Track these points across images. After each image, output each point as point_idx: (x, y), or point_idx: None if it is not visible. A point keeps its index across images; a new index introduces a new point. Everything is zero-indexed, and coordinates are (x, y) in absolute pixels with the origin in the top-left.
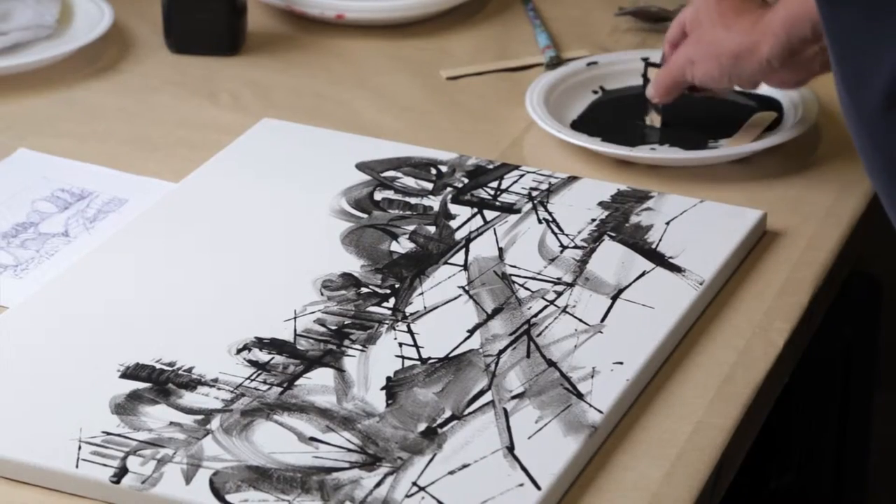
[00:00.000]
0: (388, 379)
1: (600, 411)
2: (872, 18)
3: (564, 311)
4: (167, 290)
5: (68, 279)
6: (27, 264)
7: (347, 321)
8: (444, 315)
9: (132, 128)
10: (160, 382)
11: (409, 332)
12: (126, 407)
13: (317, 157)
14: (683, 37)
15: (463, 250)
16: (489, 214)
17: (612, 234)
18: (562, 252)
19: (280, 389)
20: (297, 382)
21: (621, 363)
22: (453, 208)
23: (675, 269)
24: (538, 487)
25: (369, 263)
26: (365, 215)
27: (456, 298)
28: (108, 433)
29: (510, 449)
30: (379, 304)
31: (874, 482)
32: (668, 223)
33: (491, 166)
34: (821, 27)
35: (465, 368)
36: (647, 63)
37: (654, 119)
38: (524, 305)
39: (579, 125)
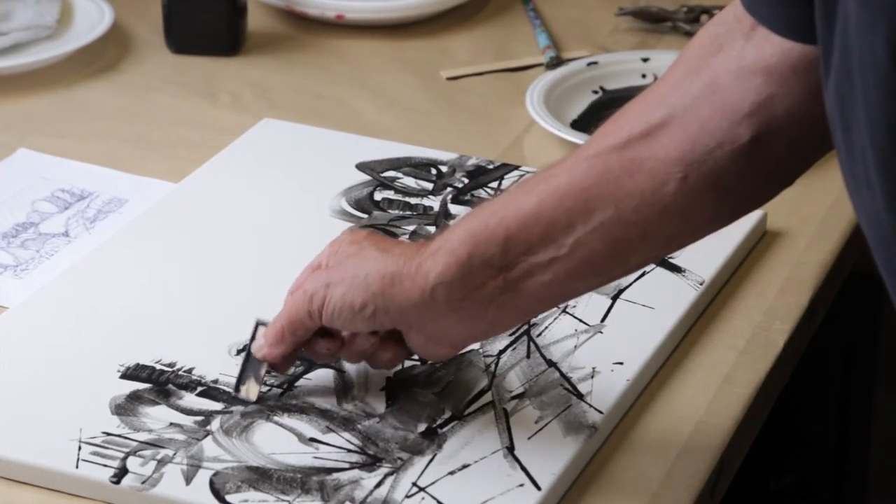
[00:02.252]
0: (389, 379)
1: (600, 411)
2: None
3: (564, 311)
4: (167, 291)
5: (68, 279)
6: (27, 264)
7: None
8: None
9: (132, 128)
10: (160, 383)
11: None
12: (126, 407)
13: (317, 157)
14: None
15: None
16: None
17: None
18: None
19: (280, 390)
20: (297, 383)
21: (621, 363)
22: (453, 208)
23: (676, 269)
24: (538, 488)
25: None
26: (365, 215)
27: None
28: (109, 434)
29: (510, 449)
30: None
31: (874, 482)
32: None
33: (491, 166)
34: (516, 248)
35: (465, 369)
36: (259, 323)
37: (250, 389)
38: None
39: (579, 125)
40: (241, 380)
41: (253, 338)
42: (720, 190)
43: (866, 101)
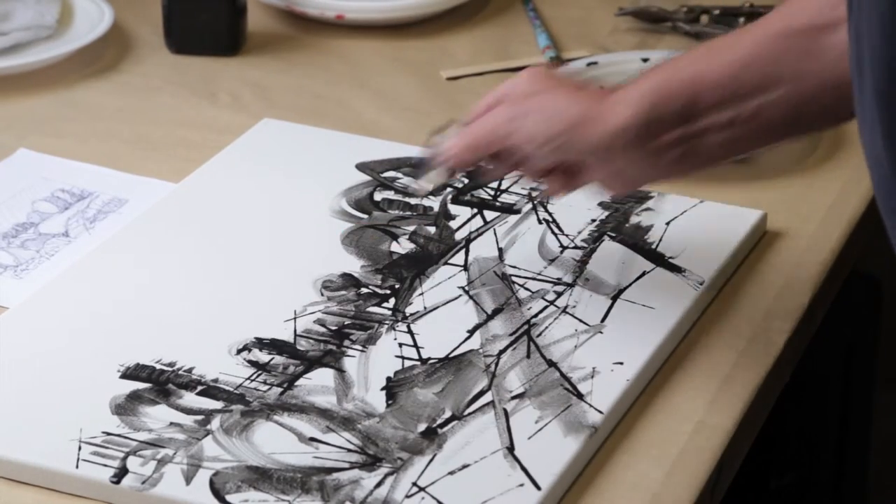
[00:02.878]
0: (388, 379)
1: (600, 411)
2: None
3: (564, 311)
4: (167, 291)
5: (68, 279)
6: (27, 264)
7: (347, 321)
8: (444, 315)
9: (132, 128)
10: (160, 383)
11: (410, 332)
12: (126, 407)
13: (317, 158)
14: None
15: (463, 251)
16: (489, 215)
17: (612, 235)
18: (562, 252)
19: (280, 390)
20: (297, 383)
21: (621, 363)
22: (453, 209)
23: (676, 269)
24: (538, 488)
25: (369, 264)
26: (365, 216)
27: (456, 299)
28: (109, 433)
29: (510, 449)
30: (379, 305)
31: (874, 482)
32: (668, 223)
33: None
34: (702, 104)
35: (465, 369)
36: (448, 125)
37: (426, 181)
38: (524, 306)
39: None
40: (419, 172)
41: (433, 142)
42: None
43: (870, 45)
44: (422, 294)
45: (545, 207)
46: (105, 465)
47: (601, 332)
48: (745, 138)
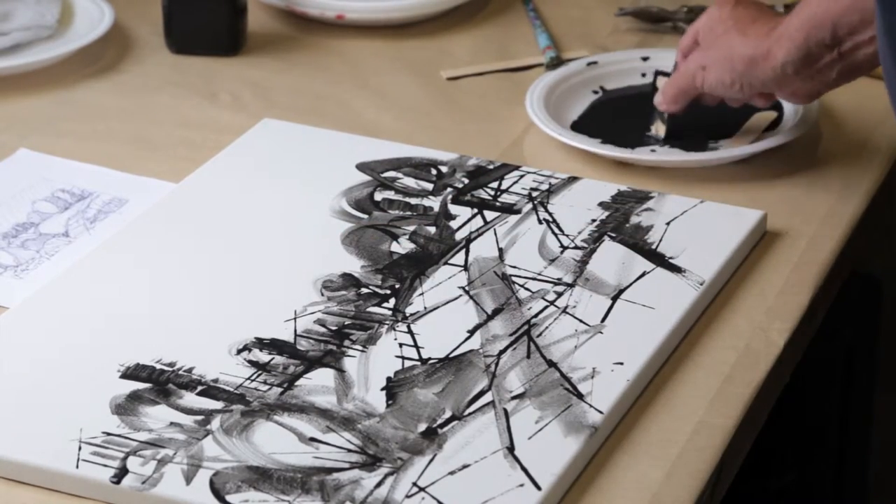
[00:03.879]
0: (389, 379)
1: (601, 412)
2: None
3: (565, 311)
4: (167, 291)
5: (68, 279)
6: (27, 265)
7: (348, 321)
8: (444, 315)
9: (132, 128)
10: (160, 383)
11: (410, 332)
12: (126, 407)
13: (317, 158)
14: (696, 46)
15: (463, 251)
16: (489, 215)
17: (613, 235)
18: (562, 252)
19: (280, 390)
20: (297, 383)
21: (621, 363)
22: (453, 209)
23: (676, 269)
24: (538, 488)
25: (369, 264)
26: (365, 216)
27: (456, 299)
28: (109, 433)
29: (510, 449)
30: (379, 305)
31: (874, 482)
32: (668, 224)
33: (491, 167)
34: (841, 31)
35: (465, 369)
36: (658, 73)
37: (658, 129)
38: (524, 306)
39: (580, 125)
40: (650, 120)
41: (654, 87)
42: None
43: None
44: (422, 294)
45: (545, 207)
46: (105, 466)
47: (601, 333)
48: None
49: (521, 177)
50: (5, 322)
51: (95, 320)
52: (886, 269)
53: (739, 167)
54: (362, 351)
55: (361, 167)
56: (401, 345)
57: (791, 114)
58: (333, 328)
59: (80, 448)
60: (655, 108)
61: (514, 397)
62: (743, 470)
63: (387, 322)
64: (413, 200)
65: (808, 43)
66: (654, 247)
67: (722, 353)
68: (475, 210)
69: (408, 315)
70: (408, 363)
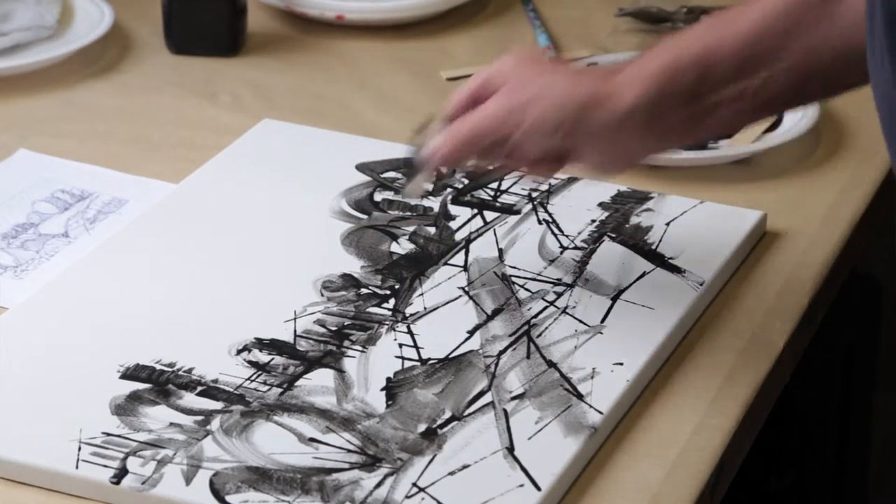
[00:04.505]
0: (388, 380)
1: (600, 412)
2: None
3: (564, 311)
4: (167, 291)
5: (68, 280)
6: (27, 265)
7: (347, 322)
8: (444, 316)
9: (132, 128)
10: (160, 383)
11: (409, 332)
12: (126, 408)
13: (317, 158)
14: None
15: (463, 251)
16: (489, 215)
17: (613, 235)
18: (562, 253)
19: (280, 390)
20: (297, 383)
21: (621, 364)
22: (453, 209)
23: (676, 269)
24: (538, 488)
25: (369, 264)
26: (365, 216)
27: (456, 299)
28: (108, 434)
29: (510, 450)
30: (379, 305)
31: (874, 482)
32: (668, 224)
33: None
34: (705, 85)
35: (465, 369)
36: (427, 124)
37: (414, 187)
38: (524, 306)
39: None
40: (407, 178)
41: (418, 141)
42: None
43: None
44: (422, 294)
45: (545, 208)
46: (105, 466)
47: (601, 333)
48: (752, 110)
49: (521, 177)
50: (5, 322)
51: (95, 320)
52: (886, 269)
53: (739, 167)
54: (362, 351)
55: (361, 167)
56: (400, 345)
57: (791, 114)
58: (333, 328)
59: (79, 448)
60: (413, 160)
61: (513, 398)
62: (743, 470)
63: (386, 322)
64: (413, 201)
65: (666, 89)
66: (653, 247)
67: (722, 353)
68: (475, 210)
69: (407, 315)
70: (407, 363)
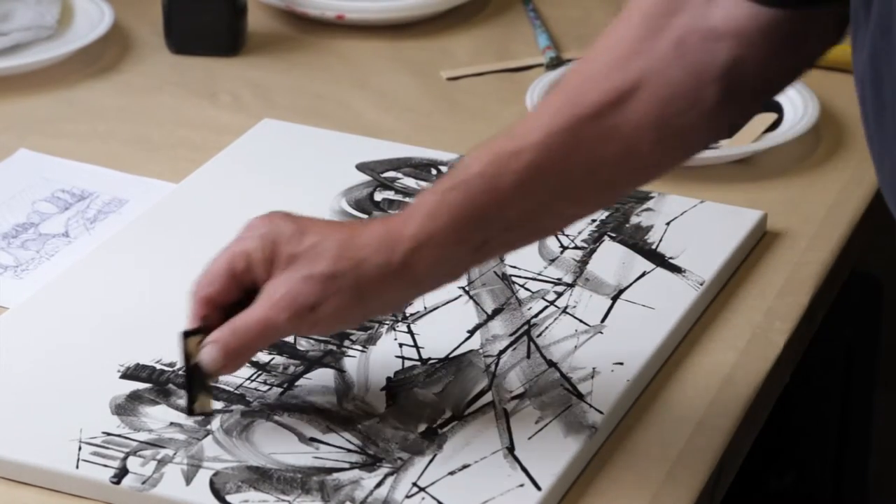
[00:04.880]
0: (389, 379)
1: (601, 412)
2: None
3: (565, 311)
4: (167, 291)
5: (68, 280)
6: (27, 265)
7: None
8: (444, 315)
9: (132, 128)
10: (160, 383)
11: (410, 332)
12: (126, 407)
13: (317, 158)
14: (248, 277)
15: None
16: None
17: (613, 235)
18: (562, 252)
19: (280, 390)
20: (297, 383)
21: (622, 364)
22: None
23: (676, 269)
24: (538, 488)
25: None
26: (365, 216)
27: (456, 299)
28: (109, 434)
29: (510, 449)
30: None
31: (874, 482)
32: (668, 224)
33: None
34: (491, 232)
35: (465, 369)
36: (187, 333)
37: (205, 405)
38: (524, 306)
39: None
40: (192, 399)
41: (186, 352)
42: (688, 146)
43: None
44: None
45: None
46: (105, 466)
47: (601, 333)
48: (530, 239)
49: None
50: (5, 322)
51: (95, 320)
52: (886, 269)
53: (739, 167)
54: (362, 351)
55: (361, 167)
56: (401, 345)
57: (791, 114)
58: None
59: (80, 448)
60: (195, 374)
61: (514, 397)
62: (743, 470)
63: (387, 322)
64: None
65: (456, 250)
66: (654, 247)
67: (722, 353)
68: None
69: (408, 315)
70: (408, 363)
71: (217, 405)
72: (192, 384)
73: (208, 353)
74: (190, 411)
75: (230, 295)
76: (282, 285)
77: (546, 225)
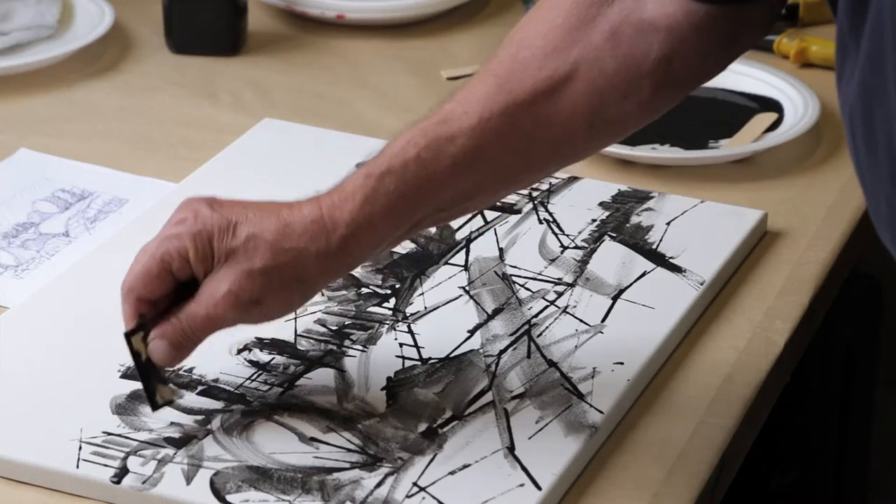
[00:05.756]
0: (389, 379)
1: (601, 411)
2: None
3: (565, 311)
4: None
5: (69, 279)
6: (28, 264)
7: (348, 321)
8: (444, 315)
9: (133, 128)
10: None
11: (410, 332)
12: (127, 407)
13: (317, 157)
14: (183, 273)
15: (463, 251)
16: (490, 214)
17: (613, 235)
18: (562, 252)
19: (280, 390)
20: (297, 383)
21: (622, 363)
22: None
23: (676, 269)
24: (539, 488)
25: (370, 263)
26: None
27: (456, 299)
28: (109, 433)
29: (511, 449)
30: (379, 305)
31: (874, 482)
32: (668, 223)
33: None
34: (423, 214)
35: (465, 369)
36: (129, 334)
37: (164, 393)
38: (525, 306)
39: None
40: (152, 393)
41: (134, 351)
42: (618, 131)
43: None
44: (422, 294)
45: (546, 207)
46: (105, 465)
47: (601, 332)
48: (460, 213)
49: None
50: (5, 322)
51: (96, 320)
52: (886, 269)
53: (739, 167)
54: (363, 351)
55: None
56: (401, 345)
57: (791, 114)
58: (334, 328)
59: (80, 448)
60: (149, 371)
61: (514, 397)
62: (743, 470)
63: (387, 322)
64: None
65: (392, 233)
66: (654, 247)
67: (722, 353)
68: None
69: (408, 315)
70: (408, 363)
71: (217, 405)
72: (148, 379)
73: (158, 348)
74: (154, 405)
75: (165, 291)
76: (223, 282)
77: (477, 203)
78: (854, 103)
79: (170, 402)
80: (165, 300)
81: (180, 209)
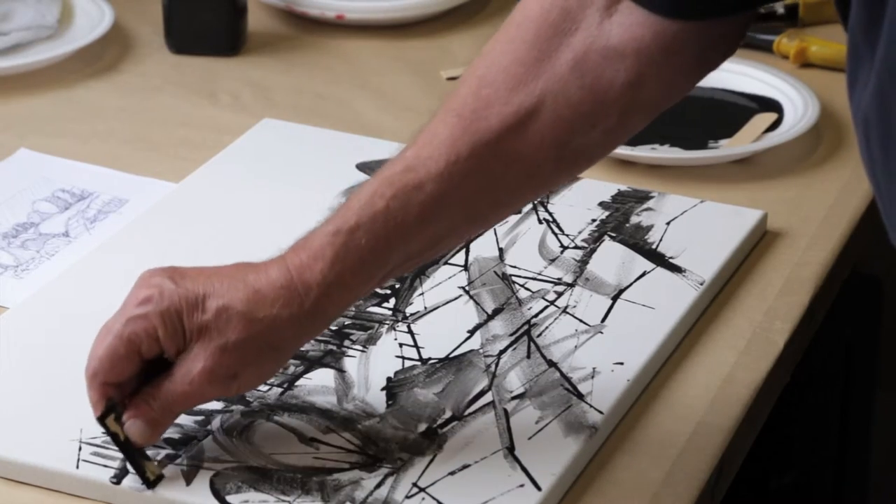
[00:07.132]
0: (389, 379)
1: (601, 412)
2: None
3: (565, 311)
4: None
5: (68, 279)
6: (27, 265)
7: (348, 321)
8: (444, 315)
9: (133, 128)
10: None
11: (410, 332)
12: None
13: (317, 157)
14: (153, 352)
15: (463, 251)
16: None
17: (613, 235)
18: (562, 252)
19: (280, 390)
20: (297, 383)
21: (622, 363)
22: None
23: (676, 269)
24: (538, 488)
25: None
26: None
27: (456, 299)
28: None
29: (510, 449)
30: (379, 305)
31: (874, 482)
32: (668, 223)
33: None
34: (393, 264)
35: (465, 369)
36: (102, 417)
37: (151, 469)
38: (524, 306)
39: None
40: (142, 471)
41: (111, 432)
42: (587, 159)
43: None
44: (422, 294)
45: (545, 207)
46: (105, 466)
47: (601, 333)
48: (428, 258)
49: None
50: (5, 322)
51: (96, 320)
52: (886, 269)
53: (739, 167)
54: (362, 351)
55: (361, 167)
56: (401, 345)
57: (791, 114)
58: (333, 328)
59: (80, 448)
60: (130, 448)
61: (514, 397)
62: (743, 470)
63: (387, 322)
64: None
65: (363, 289)
66: (654, 247)
67: (722, 353)
68: None
69: (408, 315)
70: (408, 363)
71: (217, 406)
72: (133, 457)
73: (135, 428)
74: (147, 483)
75: (133, 372)
76: (198, 360)
77: (446, 245)
78: (869, 109)
79: (161, 477)
80: (133, 381)
81: (141, 285)
